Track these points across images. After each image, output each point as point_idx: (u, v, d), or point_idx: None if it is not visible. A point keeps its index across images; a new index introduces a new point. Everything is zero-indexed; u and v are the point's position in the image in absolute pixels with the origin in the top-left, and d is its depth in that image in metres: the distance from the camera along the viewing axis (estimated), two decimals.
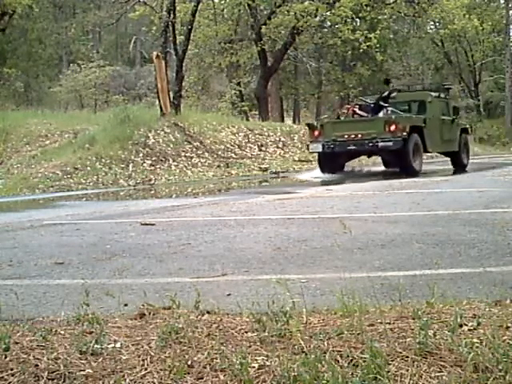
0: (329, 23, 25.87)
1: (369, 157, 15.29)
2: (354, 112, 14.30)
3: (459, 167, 14.71)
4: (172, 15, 16.86)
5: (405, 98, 14.34)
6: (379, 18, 23.57)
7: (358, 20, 25.77)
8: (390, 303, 2.85)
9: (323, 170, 13.75)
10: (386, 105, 13.77)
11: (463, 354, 2.09)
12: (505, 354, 2.07)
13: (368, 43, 21.20)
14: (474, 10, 29.18)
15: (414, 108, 14.12)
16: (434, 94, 14.37)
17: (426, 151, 13.88)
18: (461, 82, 33.98)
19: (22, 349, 2.25)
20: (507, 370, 1.98)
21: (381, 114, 13.49)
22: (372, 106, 14.11)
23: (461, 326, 2.40)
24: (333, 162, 13.58)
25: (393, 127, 12.30)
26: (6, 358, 2.16)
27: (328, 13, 21.56)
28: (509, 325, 2.40)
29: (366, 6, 21.24)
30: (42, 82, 33.34)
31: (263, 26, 21.69)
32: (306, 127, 14.64)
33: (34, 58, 33.58)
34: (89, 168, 13.22)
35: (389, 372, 2.00)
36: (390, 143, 12.26)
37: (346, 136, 12.78)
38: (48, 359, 2.14)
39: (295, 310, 2.61)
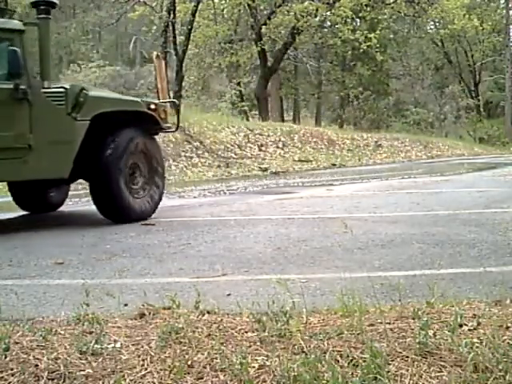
0: (329, 23, 25.85)
1: None
2: None
3: (118, 219, 6.23)
4: (172, 15, 16.84)
5: None
6: (379, 17, 23.52)
7: (357, 20, 25.77)
8: (390, 303, 2.85)
9: None
10: None
11: (463, 354, 2.10)
12: (505, 354, 2.07)
13: (368, 43, 21.18)
14: (474, 10, 29.14)
15: None
16: None
17: None
18: (461, 81, 33.97)
19: (22, 349, 2.25)
20: (507, 369, 1.98)
21: None
22: None
23: (461, 326, 2.40)
24: None
25: None
26: (6, 357, 2.16)
27: (328, 13, 21.55)
28: (509, 325, 2.40)
29: (366, 6, 21.23)
30: None
31: (263, 26, 21.68)
32: None
33: (34, 57, 33.54)
34: None
35: (389, 372, 2.00)
36: None
37: None
38: (48, 359, 2.14)
39: (295, 309, 2.61)
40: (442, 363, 2.08)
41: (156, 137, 7.04)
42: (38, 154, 5.82)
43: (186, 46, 17.80)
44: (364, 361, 2.06)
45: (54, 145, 5.92)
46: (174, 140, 15.33)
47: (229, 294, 3.26)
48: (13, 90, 5.69)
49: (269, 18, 21.70)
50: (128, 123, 6.43)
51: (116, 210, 6.28)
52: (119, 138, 6.25)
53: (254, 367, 2.08)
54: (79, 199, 9.09)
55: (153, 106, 6.70)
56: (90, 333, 2.44)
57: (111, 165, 6.14)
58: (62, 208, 7.55)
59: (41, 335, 2.37)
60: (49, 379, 2.03)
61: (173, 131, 7.61)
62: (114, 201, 6.21)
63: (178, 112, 7.91)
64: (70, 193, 7.96)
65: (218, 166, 15.06)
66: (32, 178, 6.20)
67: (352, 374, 2.00)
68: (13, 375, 2.04)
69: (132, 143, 6.37)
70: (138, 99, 6.82)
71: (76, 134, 6.00)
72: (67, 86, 6.19)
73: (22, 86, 5.71)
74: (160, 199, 6.77)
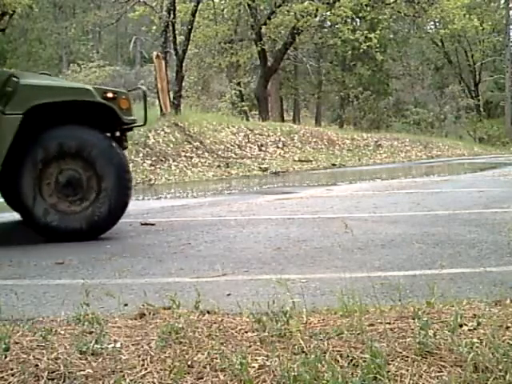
0: (329, 23, 25.88)
1: None
2: None
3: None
4: (172, 15, 16.85)
5: None
6: (379, 17, 23.52)
7: (358, 20, 25.80)
8: (390, 303, 2.85)
9: None
10: None
11: (463, 354, 2.10)
12: (505, 354, 2.07)
13: (368, 43, 21.19)
14: (474, 10, 29.13)
15: None
16: None
17: None
18: (461, 82, 33.96)
19: (22, 349, 2.25)
20: (507, 369, 1.98)
21: None
22: None
23: (461, 326, 2.40)
24: None
25: None
26: (6, 357, 2.16)
27: (328, 13, 21.56)
28: (509, 325, 2.40)
29: (366, 6, 21.23)
30: None
31: (263, 26, 21.69)
32: None
33: (34, 57, 33.59)
34: None
35: (389, 372, 2.00)
36: None
37: None
38: (48, 359, 2.14)
39: (295, 310, 2.61)
40: (442, 363, 2.08)
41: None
42: None
43: (186, 46, 17.80)
44: (364, 361, 2.06)
45: None
46: (173, 140, 15.34)
47: (229, 294, 3.26)
48: None
49: (269, 18, 21.71)
50: (76, 118, 5.27)
51: (34, 227, 5.25)
52: (49, 138, 5.13)
53: (254, 367, 2.08)
54: None
55: (110, 95, 5.35)
56: (90, 333, 2.44)
57: (28, 173, 5.07)
58: None
59: (41, 335, 2.37)
60: (49, 379, 2.03)
61: (141, 125, 6.00)
62: (29, 217, 5.20)
63: (145, 101, 6.03)
64: None
65: (218, 166, 15.06)
66: None
67: (352, 373, 2.00)
68: (13, 375, 2.04)
69: (67, 144, 5.16)
70: (89, 86, 5.50)
71: (3, 132, 4.93)
72: None
73: None
74: (114, 214, 5.31)
